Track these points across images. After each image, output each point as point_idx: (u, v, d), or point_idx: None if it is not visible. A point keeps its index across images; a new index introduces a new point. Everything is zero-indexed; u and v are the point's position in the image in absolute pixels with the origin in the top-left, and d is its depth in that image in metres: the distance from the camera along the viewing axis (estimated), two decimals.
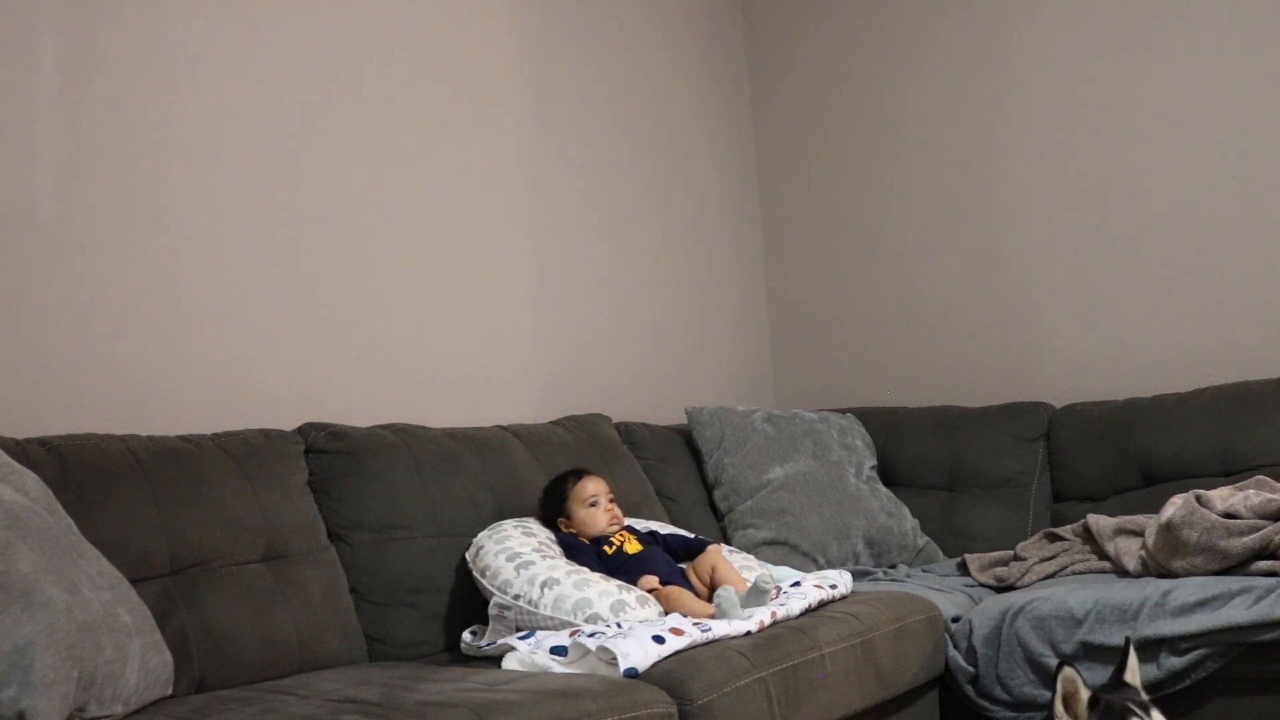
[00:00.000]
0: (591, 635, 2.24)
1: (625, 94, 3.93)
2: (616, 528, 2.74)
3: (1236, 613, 2.54)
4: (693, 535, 2.94)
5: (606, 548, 2.68)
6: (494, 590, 2.49)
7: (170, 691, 1.95)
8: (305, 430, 2.64)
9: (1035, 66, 3.90)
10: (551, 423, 3.24)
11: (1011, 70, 3.94)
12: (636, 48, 4.00)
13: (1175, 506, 2.83)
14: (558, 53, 3.68)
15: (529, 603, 2.44)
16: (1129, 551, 2.96)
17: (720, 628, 2.32)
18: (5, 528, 1.71)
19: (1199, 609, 2.59)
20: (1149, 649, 2.60)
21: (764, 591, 2.51)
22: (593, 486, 2.76)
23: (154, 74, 2.63)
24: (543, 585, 2.45)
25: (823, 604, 2.65)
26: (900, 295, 4.16)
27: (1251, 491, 2.85)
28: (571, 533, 2.73)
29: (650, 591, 2.54)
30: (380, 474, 2.62)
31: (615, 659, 2.11)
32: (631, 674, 2.10)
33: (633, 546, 2.70)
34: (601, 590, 2.44)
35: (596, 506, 2.73)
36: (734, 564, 2.76)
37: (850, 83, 4.25)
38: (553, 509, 2.76)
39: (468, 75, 3.39)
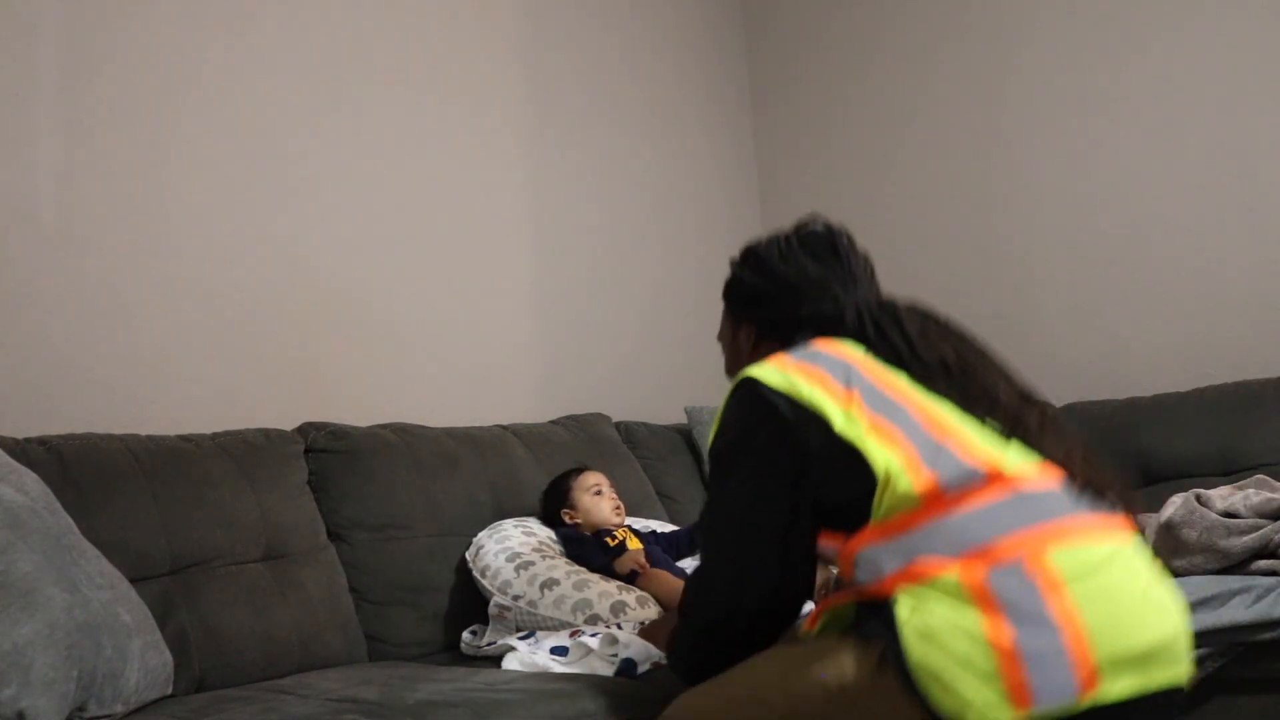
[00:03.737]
0: (593, 635, 2.23)
1: (623, 93, 3.93)
2: (621, 520, 2.75)
3: (1236, 612, 2.54)
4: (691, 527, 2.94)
5: (609, 539, 2.68)
6: (494, 590, 2.49)
7: (170, 691, 1.94)
8: (305, 430, 2.64)
9: (1037, 66, 3.90)
10: (551, 422, 3.24)
11: (1013, 69, 3.94)
12: (635, 47, 4.00)
13: (1175, 506, 2.82)
14: (556, 53, 3.68)
15: (529, 603, 2.44)
16: None
17: None
18: (5, 528, 1.71)
19: (1199, 608, 2.58)
20: None
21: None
22: (595, 477, 2.80)
23: (154, 74, 2.63)
24: (543, 585, 2.45)
25: None
26: (899, 294, 4.14)
27: (1251, 491, 2.84)
28: (575, 524, 2.73)
29: (639, 567, 2.55)
30: (380, 473, 2.62)
31: (616, 653, 2.11)
32: (632, 674, 2.10)
33: (634, 544, 2.70)
34: (601, 591, 2.44)
35: (601, 495, 2.76)
36: None
37: (851, 80, 4.25)
38: (557, 501, 2.77)
39: (467, 76, 3.39)
